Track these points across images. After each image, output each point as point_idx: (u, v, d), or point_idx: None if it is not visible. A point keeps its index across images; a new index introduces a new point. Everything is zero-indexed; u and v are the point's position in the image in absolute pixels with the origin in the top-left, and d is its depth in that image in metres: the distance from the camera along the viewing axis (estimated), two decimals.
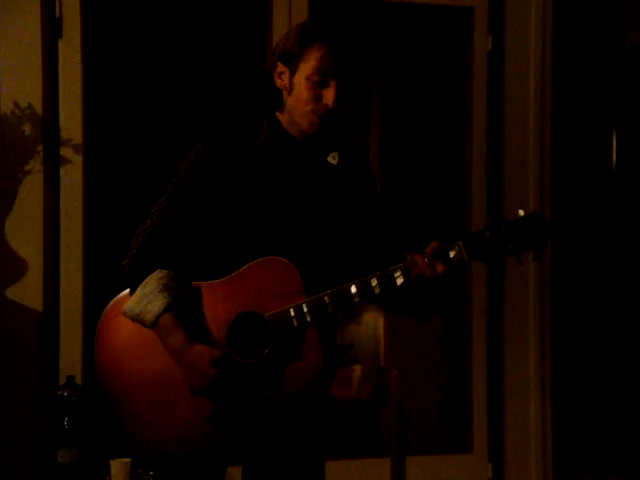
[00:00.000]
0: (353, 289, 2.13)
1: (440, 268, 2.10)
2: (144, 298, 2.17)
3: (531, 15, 4.13)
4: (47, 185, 3.55)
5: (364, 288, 2.13)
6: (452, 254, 2.11)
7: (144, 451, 2.21)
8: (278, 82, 2.26)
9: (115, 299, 2.28)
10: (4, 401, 3.38)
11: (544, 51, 4.13)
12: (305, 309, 2.13)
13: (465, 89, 4.19)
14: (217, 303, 2.18)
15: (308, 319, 2.13)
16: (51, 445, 2.39)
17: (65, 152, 3.58)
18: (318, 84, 2.20)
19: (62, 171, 3.59)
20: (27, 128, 3.51)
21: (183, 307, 2.18)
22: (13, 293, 3.46)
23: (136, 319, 2.19)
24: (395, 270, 2.12)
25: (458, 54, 4.23)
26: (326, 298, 2.13)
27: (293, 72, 2.22)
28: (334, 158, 2.31)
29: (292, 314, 2.14)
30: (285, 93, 2.26)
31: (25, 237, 3.49)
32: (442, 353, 4.45)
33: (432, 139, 4.40)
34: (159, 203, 2.27)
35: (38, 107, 3.52)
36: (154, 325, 2.16)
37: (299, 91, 2.21)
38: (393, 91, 4.45)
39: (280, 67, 2.24)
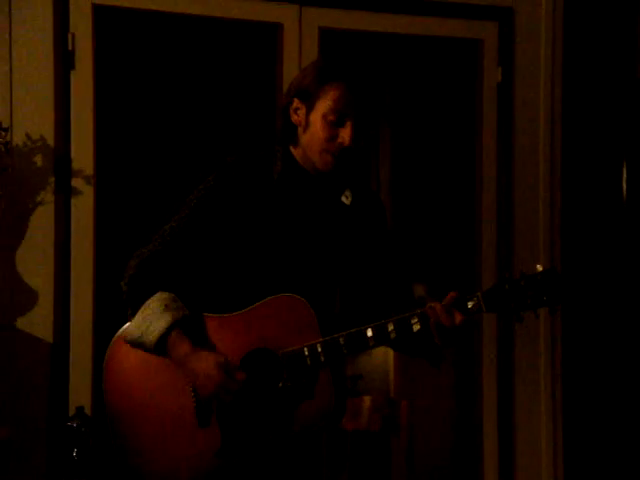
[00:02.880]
0: (369, 332, 2.14)
1: (458, 318, 2.12)
2: (145, 320, 2.16)
3: (541, 47, 4.14)
4: (58, 216, 3.56)
5: (380, 332, 2.13)
6: (470, 305, 2.13)
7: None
8: (294, 118, 2.27)
9: (122, 328, 2.27)
10: (14, 431, 3.37)
11: (554, 83, 4.14)
12: (319, 349, 2.14)
13: (475, 120, 4.20)
14: (230, 337, 2.18)
15: (322, 359, 2.13)
16: (61, 476, 2.39)
17: (76, 183, 3.60)
18: (334, 123, 2.21)
19: (73, 202, 3.60)
20: (39, 159, 3.53)
21: (187, 328, 2.17)
22: (23, 324, 3.46)
23: (138, 342, 2.18)
24: (412, 317, 2.13)
25: (468, 86, 4.24)
26: (341, 340, 2.14)
27: (310, 109, 2.24)
28: (347, 197, 2.32)
29: (306, 353, 2.14)
30: (300, 129, 2.27)
31: (36, 268, 3.50)
32: (452, 383, 4.42)
33: (442, 172, 4.40)
34: (163, 230, 2.28)
35: (50, 138, 3.54)
36: (156, 345, 2.15)
37: (315, 129, 2.23)
38: (403, 123, 4.46)
39: (296, 103, 2.26)
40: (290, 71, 3.89)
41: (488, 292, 2.12)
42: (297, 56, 3.91)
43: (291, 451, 2.22)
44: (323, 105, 2.21)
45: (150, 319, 2.15)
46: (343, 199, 2.32)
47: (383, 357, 4.55)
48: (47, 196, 3.53)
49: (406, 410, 2.59)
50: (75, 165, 3.60)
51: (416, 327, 2.12)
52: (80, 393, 3.52)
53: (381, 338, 2.13)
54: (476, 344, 4.18)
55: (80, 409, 2.63)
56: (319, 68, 2.25)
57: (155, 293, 2.19)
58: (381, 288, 2.34)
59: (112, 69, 3.81)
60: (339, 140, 2.21)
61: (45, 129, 3.54)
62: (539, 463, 4.11)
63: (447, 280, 4.47)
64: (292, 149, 2.31)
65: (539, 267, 2.12)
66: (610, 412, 4.17)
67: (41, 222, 3.52)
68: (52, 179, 3.54)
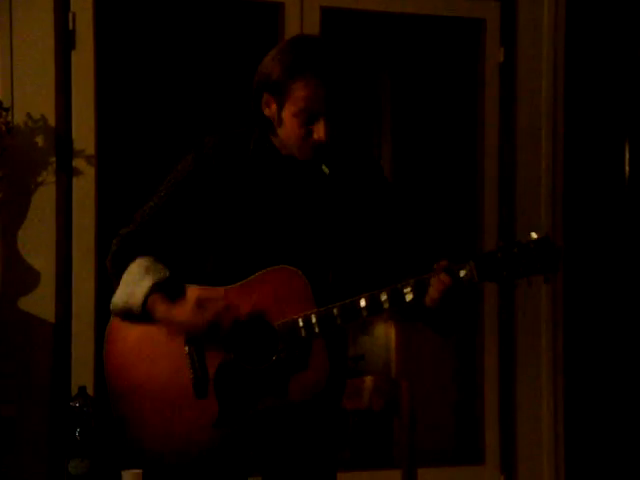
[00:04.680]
0: (362, 303, 2.13)
1: (449, 286, 2.09)
2: (128, 285, 2.18)
3: (543, 27, 4.12)
4: (59, 196, 3.56)
5: (373, 302, 2.13)
6: (462, 273, 2.10)
7: (151, 455, 2.22)
8: (266, 111, 2.26)
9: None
10: (16, 411, 3.38)
11: (556, 63, 4.13)
12: (314, 320, 2.14)
13: (477, 101, 4.19)
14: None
15: (316, 330, 2.14)
16: (63, 456, 2.40)
17: (78, 163, 3.59)
18: (307, 121, 2.19)
19: (75, 182, 3.60)
20: (40, 139, 3.52)
21: (171, 289, 2.18)
22: (25, 304, 3.47)
23: (125, 309, 2.20)
24: (405, 286, 2.12)
25: (470, 66, 4.22)
26: (335, 310, 2.14)
27: (281, 107, 2.22)
28: (326, 168, 2.30)
29: (300, 324, 2.14)
30: (275, 124, 2.26)
31: (37, 248, 3.50)
32: (454, 364, 4.43)
33: (444, 151, 4.40)
34: (143, 209, 2.30)
35: (51, 119, 3.53)
36: (143, 307, 2.16)
37: (289, 127, 2.21)
38: (405, 103, 4.45)
39: (266, 97, 2.24)
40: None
41: (480, 259, 2.10)
42: (298, 27, 3.90)
43: (289, 421, 2.23)
44: (293, 104, 2.18)
45: (133, 283, 2.18)
46: (323, 168, 2.29)
47: (385, 337, 4.56)
48: (48, 176, 3.52)
49: (408, 390, 2.60)
50: (76, 145, 3.59)
51: (409, 296, 2.11)
52: (82, 373, 3.53)
53: (374, 308, 2.13)
54: (478, 324, 4.19)
55: (82, 389, 2.64)
56: (287, 63, 2.20)
57: None
58: (378, 258, 2.30)
59: (113, 48, 3.80)
60: (314, 137, 2.20)
61: (46, 109, 3.53)
62: (540, 439, 4.13)
63: (449, 256, 4.47)
64: (270, 136, 2.31)
65: (534, 235, 2.10)
66: (611, 397, 4.18)
67: (43, 202, 3.52)
68: (53, 159, 3.54)
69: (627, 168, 4.22)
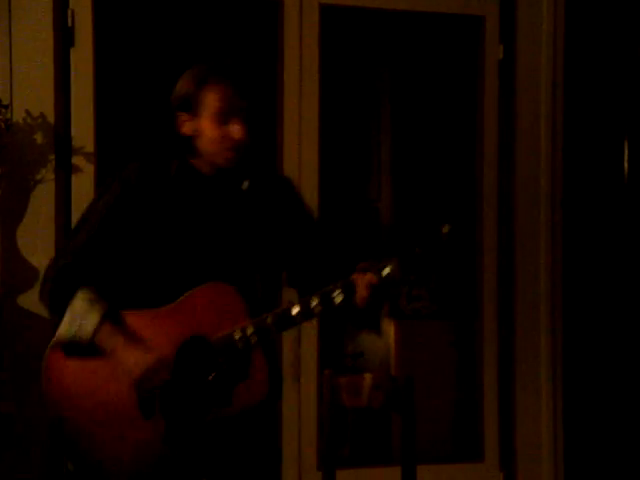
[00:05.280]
0: (294, 310, 2.23)
1: (376, 284, 2.19)
2: (75, 319, 2.24)
3: (543, 24, 4.12)
4: (59, 193, 3.56)
5: (305, 309, 2.22)
6: (386, 271, 2.21)
7: (106, 476, 2.27)
8: (183, 130, 2.34)
9: (55, 336, 2.33)
10: (15, 410, 3.38)
11: (556, 60, 4.12)
12: (249, 331, 2.22)
13: (476, 98, 4.18)
14: (164, 330, 2.25)
15: (252, 341, 2.22)
16: (62, 453, 2.40)
17: (77, 161, 3.59)
18: (223, 123, 2.29)
19: (74, 179, 3.60)
20: (39, 137, 3.52)
21: (116, 319, 2.25)
22: (24, 301, 3.46)
23: (72, 343, 2.25)
24: (334, 289, 2.22)
25: (469, 63, 4.22)
26: (269, 319, 2.23)
27: (196, 117, 2.31)
28: (245, 184, 2.39)
29: (237, 337, 2.23)
30: (194, 139, 2.34)
31: (37, 245, 3.49)
32: (453, 361, 4.44)
33: (443, 148, 4.40)
34: (76, 238, 2.34)
35: (50, 116, 3.53)
36: (93, 338, 2.22)
37: (208, 134, 2.30)
38: (404, 101, 4.46)
39: (181, 116, 2.33)
40: (291, 48, 3.88)
41: (402, 257, 2.20)
42: (298, 33, 3.90)
43: (235, 431, 2.30)
44: (207, 109, 2.29)
45: (80, 317, 2.24)
46: (243, 186, 2.39)
47: (384, 334, 4.57)
48: (47, 174, 3.52)
49: (407, 387, 2.60)
50: (76, 143, 3.59)
51: (338, 299, 2.20)
52: None
53: (307, 314, 2.22)
54: (477, 322, 4.19)
55: None
56: (194, 75, 2.33)
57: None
58: (300, 265, 2.41)
59: (112, 45, 3.80)
60: (232, 136, 2.29)
61: (45, 106, 3.53)
62: (539, 437, 4.13)
63: (448, 258, 4.48)
64: (190, 159, 2.37)
65: (445, 228, 2.21)
66: (611, 394, 4.18)
67: (42, 200, 3.52)
68: (52, 157, 3.54)
69: (626, 165, 4.22)
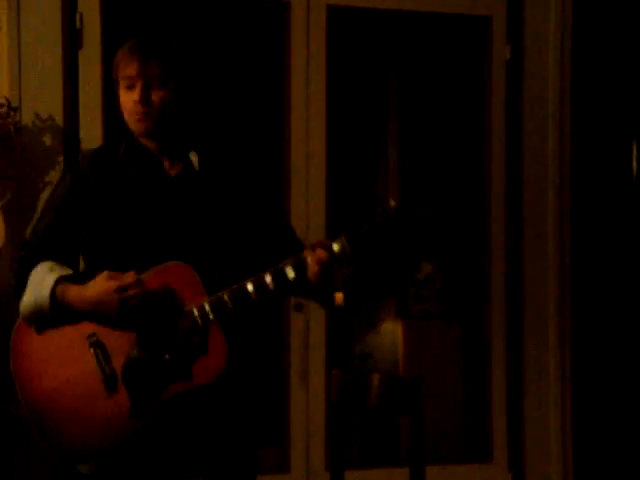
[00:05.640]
0: (249, 286, 2.29)
1: (326, 260, 2.26)
2: (35, 286, 2.30)
3: (550, 23, 4.11)
4: None
5: (259, 284, 2.28)
6: (336, 247, 2.27)
7: (72, 453, 2.34)
8: (119, 108, 2.42)
9: None
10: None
11: (563, 60, 4.12)
12: (207, 308, 2.29)
13: (484, 98, 4.18)
14: None
15: (210, 317, 2.29)
16: (70, 461, 2.42)
17: None
18: (128, 89, 2.35)
19: None
20: (48, 139, 3.53)
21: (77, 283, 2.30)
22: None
23: (34, 309, 2.31)
24: (286, 264, 2.28)
25: (476, 64, 4.22)
26: (225, 296, 2.29)
27: (117, 89, 2.39)
28: (195, 162, 2.42)
29: (196, 313, 2.29)
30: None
31: None
32: (461, 361, 4.44)
33: (450, 148, 4.40)
34: (33, 231, 2.43)
35: (59, 118, 3.54)
36: (51, 301, 2.28)
37: (121, 102, 2.38)
38: (411, 101, 4.46)
39: (117, 90, 2.41)
40: (298, 49, 3.89)
41: (350, 233, 2.27)
42: (305, 34, 3.90)
43: (201, 404, 2.35)
44: (120, 77, 2.37)
45: (39, 283, 2.30)
46: (191, 157, 2.42)
47: (392, 335, 4.57)
48: (56, 176, 3.52)
49: (415, 388, 2.60)
50: (84, 144, 3.60)
51: (291, 274, 2.27)
52: None
53: (261, 290, 2.28)
54: (485, 322, 4.19)
55: None
56: (116, 53, 2.41)
57: None
58: (255, 248, 2.45)
59: (120, 48, 3.80)
60: (132, 99, 2.34)
61: (54, 109, 3.54)
62: (548, 437, 4.12)
63: (455, 257, 4.48)
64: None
65: (392, 202, 2.29)
66: (621, 394, 4.17)
67: None
68: (61, 158, 3.55)
69: (635, 165, 4.22)
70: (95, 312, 2.29)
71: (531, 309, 4.12)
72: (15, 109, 3.39)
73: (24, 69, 3.52)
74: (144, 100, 2.32)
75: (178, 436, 2.36)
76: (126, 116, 2.37)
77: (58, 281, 2.30)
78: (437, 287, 4.52)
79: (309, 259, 2.26)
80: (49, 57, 3.54)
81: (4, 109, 3.33)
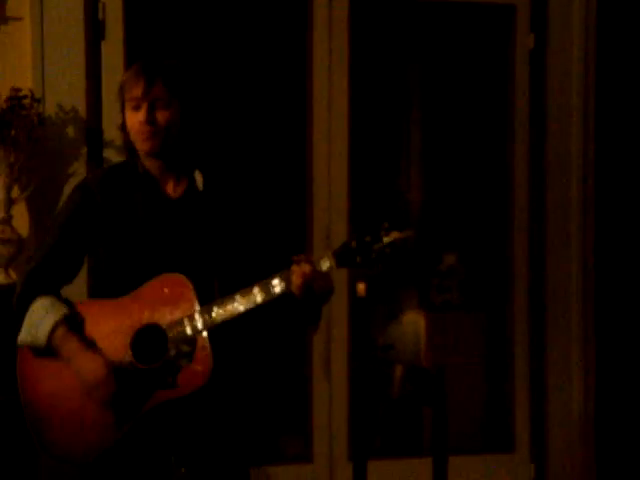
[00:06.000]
0: (237, 297, 2.33)
1: (310, 273, 2.29)
2: (32, 326, 2.38)
3: (574, 12, 4.08)
4: None
5: (247, 297, 2.32)
6: (322, 262, 2.31)
7: (64, 459, 2.41)
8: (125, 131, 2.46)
9: None
10: None
11: (587, 48, 4.08)
12: (197, 318, 2.33)
13: (507, 88, 4.16)
14: (124, 318, 2.37)
15: (199, 327, 2.33)
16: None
17: (108, 153, 3.61)
18: (134, 110, 2.39)
19: None
20: (71, 130, 3.55)
21: (73, 323, 2.38)
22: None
23: (30, 346, 2.39)
24: (272, 278, 2.32)
25: (500, 53, 4.20)
26: (215, 307, 2.33)
27: (124, 110, 2.43)
28: (199, 178, 2.47)
29: (185, 323, 2.33)
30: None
31: None
32: (484, 352, 4.42)
33: (473, 138, 4.38)
34: (41, 245, 2.50)
35: (82, 109, 3.56)
36: (47, 347, 2.36)
37: (127, 123, 2.42)
38: (434, 91, 4.44)
39: (123, 112, 2.45)
40: (320, 39, 3.88)
41: (337, 250, 2.31)
42: (327, 24, 3.90)
43: (186, 413, 2.38)
44: (126, 99, 2.41)
45: (36, 324, 2.37)
46: (197, 177, 2.46)
47: (414, 326, 4.56)
48: (80, 167, 3.55)
49: (437, 379, 2.60)
50: (107, 136, 3.61)
51: (278, 289, 2.31)
52: None
53: (249, 302, 2.32)
54: (508, 312, 4.18)
55: None
56: (123, 75, 2.47)
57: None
58: (252, 266, 2.47)
59: (143, 38, 3.81)
60: (137, 120, 2.38)
61: (77, 100, 3.55)
62: (571, 428, 4.11)
63: (478, 249, 4.46)
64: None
65: (385, 224, 2.28)
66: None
67: None
68: (84, 150, 3.56)
69: None
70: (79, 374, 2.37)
71: (554, 299, 4.10)
72: (38, 100, 3.40)
73: (47, 60, 3.53)
74: (150, 120, 2.36)
75: (160, 446, 2.40)
76: (132, 136, 2.42)
77: (54, 327, 2.35)
78: (460, 278, 4.51)
79: (294, 272, 2.30)
80: (72, 48, 3.56)
81: (27, 100, 3.35)
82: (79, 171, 3.54)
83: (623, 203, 4.15)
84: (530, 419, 4.14)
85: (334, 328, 3.93)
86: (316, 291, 2.32)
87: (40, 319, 2.37)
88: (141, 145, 2.40)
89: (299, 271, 2.29)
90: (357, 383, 2.77)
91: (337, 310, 3.91)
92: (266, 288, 2.32)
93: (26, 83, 3.47)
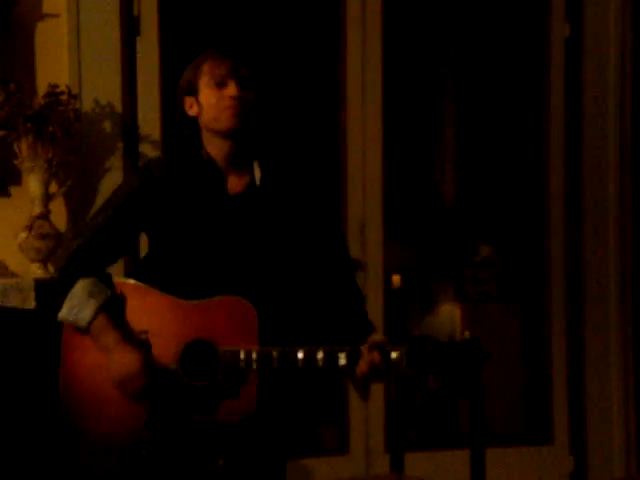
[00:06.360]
0: (300, 355, 2.28)
1: (378, 364, 2.24)
2: (73, 309, 2.35)
3: (610, 2, 4.04)
4: None
5: (309, 358, 2.28)
6: (394, 355, 2.26)
7: (89, 440, 2.40)
8: (191, 112, 2.42)
9: None
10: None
11: (624, 37, 4.05)
12: (254, 356, 2.29)
13: (542, 77, 4.13)
14: (177, 320, 2.33)
15: (254, 366, 2.29)
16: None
17: (144, 148, 3.64)
18: (218, 87, 2.36)
19: None
20: (107, 125, 3.57)
21: (114, 309, 2.35)
22: None
23: (72, 325, 2.37)
24: (340, 351, 2.27)
25: (535, 42, 4.17)
26: (274, 353, 2.29)
27: (198, 94, 2.40)
28: (257, 172, 2.42)
29: (242, 356, 2.29)
30: (199, 118, 2.41)
31: None
32: (521, 343, 4.40)
33: (508, 128, 4.35)
34: (91, 222, 2.44)
35: (118, 105, 3.58)
36: (87, 330, 2.34)
37: (206, 101, 2.38)
38: (469, 81, 4.41)
39: (187, 100, 2.42)
40: (354, 26, 3.87)
41: (411, 347, 2.24)
42: (361, 17, 3.90)
43: (210, 441, 2.37)
44: (204, 82, 2.38)
45: (77, 308, 2.34)
46: (255, 177, 2.41)
47: (450, 318, 4.55)
48: (116, 162, 3.58)
49: (475, 371, 2.59)
50: (142, 131, 3.64)
51: (342, 362, 2.26)
52: None
53: (309, 363, 2.27)
54: (545, 304, 4.15)
55: None
56: (195, 63, 2.43)
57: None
58: (311, 277, 2.43)
59: (178, 34, 3.83)
60: (228, 95, 2.35)
61: (113, 95, 3.58)
62: (610, 420, 4.09)
63: (514, 240, 4.44)
64: (202, 151, 2.43)
65: (467, 333, 2.23)
66: None
67: (110, 187, 3.54)
68: (120, 145, 3.59)
69: None
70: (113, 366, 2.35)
71: (592, 290, 4.08)
72: (75, 96, 3.43)
73: (83, 57, 3.56)
74: (241, 96, 2.34)
75: (198, 438, 2.38)
76: (214, 113, 2.36)
77: (96, 313, 2.33)
78: (496, 269, 4.49)
79: (363, 356, 2.25)
80: (108, 44, 3.58)
81: (65, 96, 3.37)
82: (115, 166, 3.56)
83: None
84: (568, 411, 4.11)
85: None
86: (376, 379, 2.29)
87: (82, 303, 2.33)
88: (226, 122, 2.36)
89: (369, 359, 2.25)
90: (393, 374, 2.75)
91: (372, 301, 3.91)
92: (331, 358, 2.27)
93: (63, 79, 3.50)
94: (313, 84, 4.16)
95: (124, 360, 2.30)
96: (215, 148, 2.40)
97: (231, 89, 2.34)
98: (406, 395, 2.73)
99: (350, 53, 3.91)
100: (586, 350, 4.08)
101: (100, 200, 3.53)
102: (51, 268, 3.42)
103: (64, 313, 2.36)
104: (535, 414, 4.28)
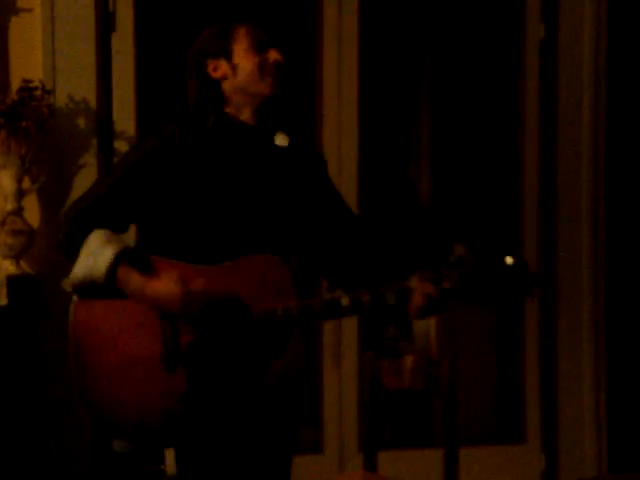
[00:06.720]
0: (344, 302, 2.20)
1: (434, 297, 2.21)
2: (89, 257, 2.14)
3: (585, 2, 4.06)
4: None
5: (355, 303, 2.20)
6: (447, 285, 2.23)
7: (113, 423, 2.21)
8: (216, 74, 2.35)
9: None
10: (60, 388, 3.43)
11: (598, 39, 4.07)
12: (295, 312, 2.18)
13: (517, 78, 4.15)
14: (214, 286, 2.17)
15: (295, 322, 2.18)
16: (107, 434, 2.43)
17: (119, 145, 3.62)
18: (259, 52, 2.33)
19: None
20: (81, 121, 3.55)
21: (134, 260, 2.16)
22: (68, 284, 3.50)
23: (86, 280, 2.15)
24: (388, 291, 2.20)
25: (510, 43, 4.18)
26: (316, 306, 2.20)
27: (229, 57, 2.33)
28: (283, 139, 2.38)
29: (280, 313, 2.17)
30: (227, 82, 2.34)
31: None
32: (494, 342, 4.42)
33: (483, 128, 4.37)
34: (99, 183, 2.32)
35: (92, 101, 3.56)
36: (107, 278, 2.13)
37: (245, 66, 2.33)
38: (444, 80, 4.42)
39: (211, 63, 2.34)
40: (330, 16, 3.89)
41: (463, 278, 2.24)
42: (337, 12, 3.90)
43: (256, 405, 2.24)
44: (242, 43, 2.33)
45: (94, 254, 2.14)
46: (279, 140, 2.37)
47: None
48: (90, 158, 3.56)
49: (448, 369, 2.60)
50: (117, 127, 3.62)
51: (390, 301, 2.20)
52: None
53: (356, 308, 2.20)
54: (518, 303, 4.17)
55: None
56: (219, 24, 2.38)
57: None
58: (336, 239, 2.38)
59: (153, 30, 3.81)
60: (271, 60, 2.32)
61: (87, 91, 3.56)
62: (582, 419, 4.11)
63: (488, 239, 4.45)
64: (226, 109, 2.36)
65: (508, 259, 2.23)
66: None
67: (84, 184, 3.51)
68: (94, 141, 3.57)
69: None
70: (156, 306, 2.17)
71: (565, 289, 4.10)
72: (49, 92, 3.41)
73: (58, 52, 3.53)
74: (284, 64, 2.34)
75: (221, 427, 2.23)
76: (255, 77, 2.32)
77: (116, 258, 2.13)
78: (470, 269, 4.50)
79: (417, 290, 2.20)
80: (82, 40, 3.56)
81: (38, 92, 3.35)
82: (90, 162, 3.54)
83: (635, 196, 4.13)
84: (541, 410, 4.13)
85: (345, 318, 3.93)
86: (432, 312, 2.23)
87: (99, 248, 2.13)
88: (268, 87, 2.32)
89: (424, 291, 2.21)
90: (367, 373, 2.76)
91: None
92: (378, 298, 2.19)
93: (37, 74, 3.47)
94: (289, 81, 4.15)
95: (164, 286, 2.11)
96: (246, 111, 2.35)
97: (276, 54, 2.33)
98: (380, 394, 2.73)
99: (326, 52, 3.91)
100: (559, 349, 4.10)
101: (74, 196, 3.51)
102: (24, 265, 3.39)
103: (78, 266, 2.15)
104: (508, 413, 4.30)
